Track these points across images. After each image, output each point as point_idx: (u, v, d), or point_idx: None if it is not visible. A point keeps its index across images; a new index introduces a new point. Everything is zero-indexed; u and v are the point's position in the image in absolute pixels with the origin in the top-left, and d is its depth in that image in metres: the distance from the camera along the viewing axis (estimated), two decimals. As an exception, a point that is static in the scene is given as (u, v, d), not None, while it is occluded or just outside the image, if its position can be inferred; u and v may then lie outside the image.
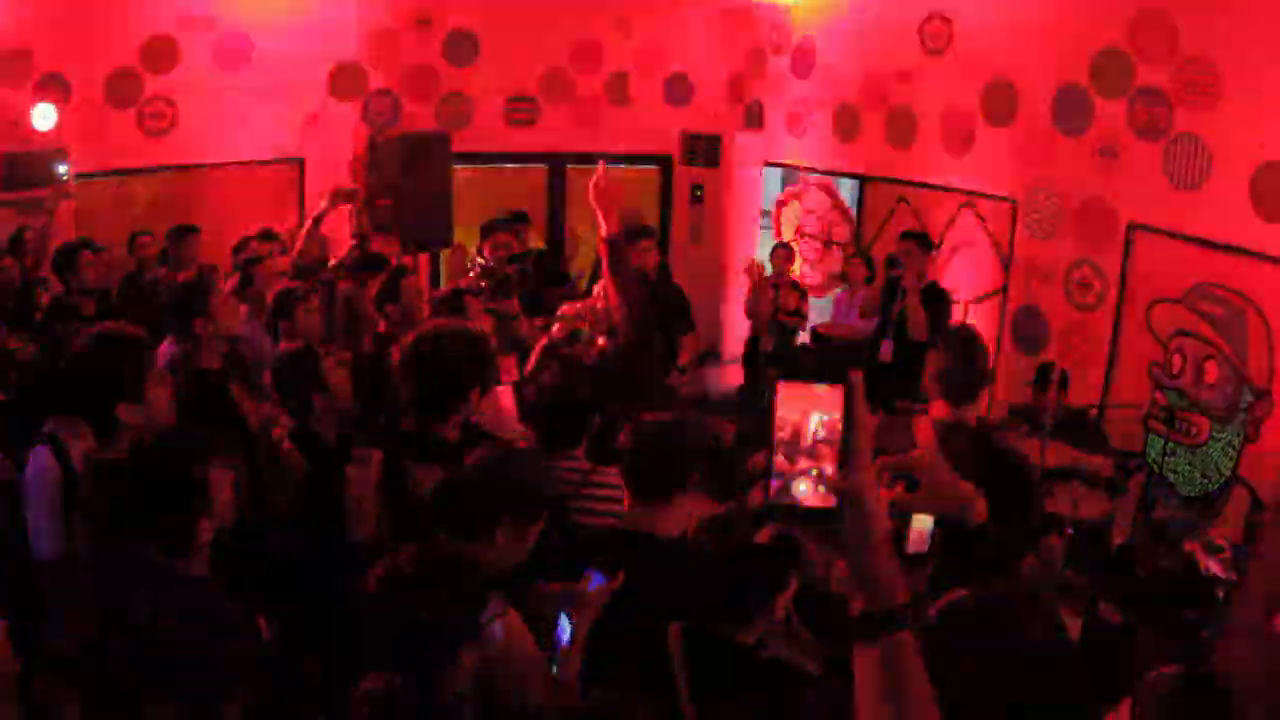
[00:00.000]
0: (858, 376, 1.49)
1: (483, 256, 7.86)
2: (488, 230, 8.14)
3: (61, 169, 7.68)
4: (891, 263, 7.85)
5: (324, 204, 7.42)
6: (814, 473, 1.47)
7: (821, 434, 1.47)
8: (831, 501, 1.47)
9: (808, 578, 3.17)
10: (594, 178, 5.17)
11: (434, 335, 4.19)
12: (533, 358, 5.81)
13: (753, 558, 3.12)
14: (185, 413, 4.27)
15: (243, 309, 5.97)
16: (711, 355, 10.71)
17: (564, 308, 6.09)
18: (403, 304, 6.27)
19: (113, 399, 3.92)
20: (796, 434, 1.47)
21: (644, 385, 5.52)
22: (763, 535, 3.17)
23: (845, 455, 1.47)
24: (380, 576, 2.80)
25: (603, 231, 5.21)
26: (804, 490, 1.48)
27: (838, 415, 1.46)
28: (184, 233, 7.82)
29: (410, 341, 4.23)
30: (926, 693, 1.54)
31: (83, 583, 3.42)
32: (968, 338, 4.86)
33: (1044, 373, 6.78)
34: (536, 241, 9.74)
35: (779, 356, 9.08)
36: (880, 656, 1.53)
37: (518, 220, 8.89)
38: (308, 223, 7.49)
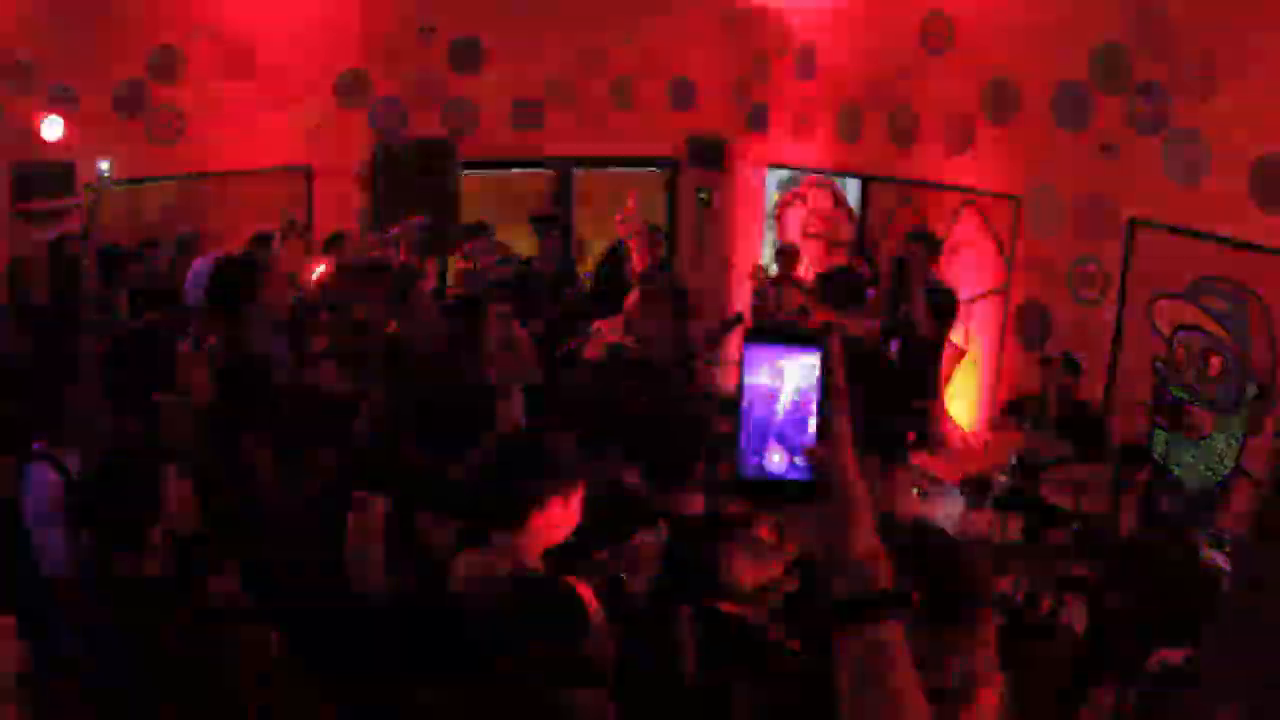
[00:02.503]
0: (834, 341, 1.38)
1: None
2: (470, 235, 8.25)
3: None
4: (897, 263, 7.85)
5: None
6: (787, 445, 1.33)
7: (795, 402, 1.34)
8: (807, 476, 1.34)
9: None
10: (625, 214, 5.17)
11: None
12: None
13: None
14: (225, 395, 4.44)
15: None
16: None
17: (597, 324, 6.09)
18: (412, 308, 6.32)
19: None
20: (768, 403, 1.33)
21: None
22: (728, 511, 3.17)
23: (822, 426, 1.36)
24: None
25: (636, 265, 5.22)
26: (777, 464, 1.34)
27: (813, 383, 1.33)
28: (193, 241, 7.89)
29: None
30: (912, 682, 1.37)
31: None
32: None
33: (1045, 367, 6.82)
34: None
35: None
36: (862, 645, 1.36)
37: (482, 229, 8.94)
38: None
